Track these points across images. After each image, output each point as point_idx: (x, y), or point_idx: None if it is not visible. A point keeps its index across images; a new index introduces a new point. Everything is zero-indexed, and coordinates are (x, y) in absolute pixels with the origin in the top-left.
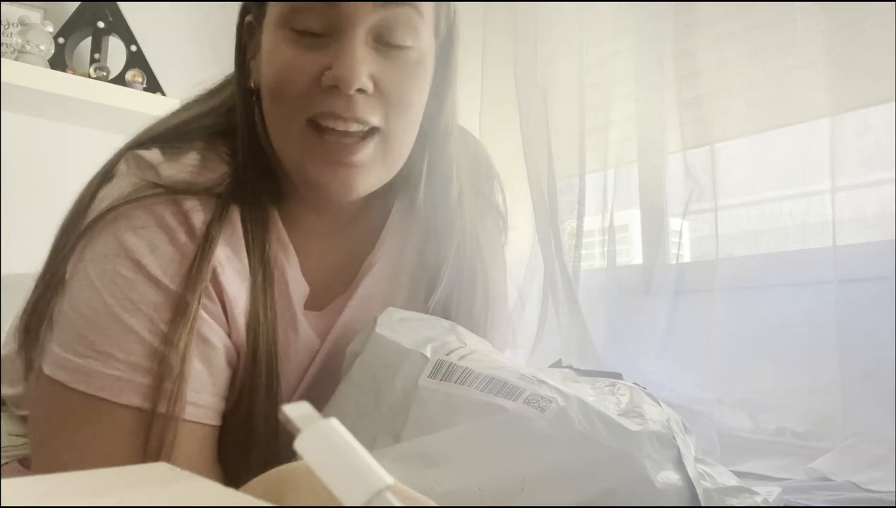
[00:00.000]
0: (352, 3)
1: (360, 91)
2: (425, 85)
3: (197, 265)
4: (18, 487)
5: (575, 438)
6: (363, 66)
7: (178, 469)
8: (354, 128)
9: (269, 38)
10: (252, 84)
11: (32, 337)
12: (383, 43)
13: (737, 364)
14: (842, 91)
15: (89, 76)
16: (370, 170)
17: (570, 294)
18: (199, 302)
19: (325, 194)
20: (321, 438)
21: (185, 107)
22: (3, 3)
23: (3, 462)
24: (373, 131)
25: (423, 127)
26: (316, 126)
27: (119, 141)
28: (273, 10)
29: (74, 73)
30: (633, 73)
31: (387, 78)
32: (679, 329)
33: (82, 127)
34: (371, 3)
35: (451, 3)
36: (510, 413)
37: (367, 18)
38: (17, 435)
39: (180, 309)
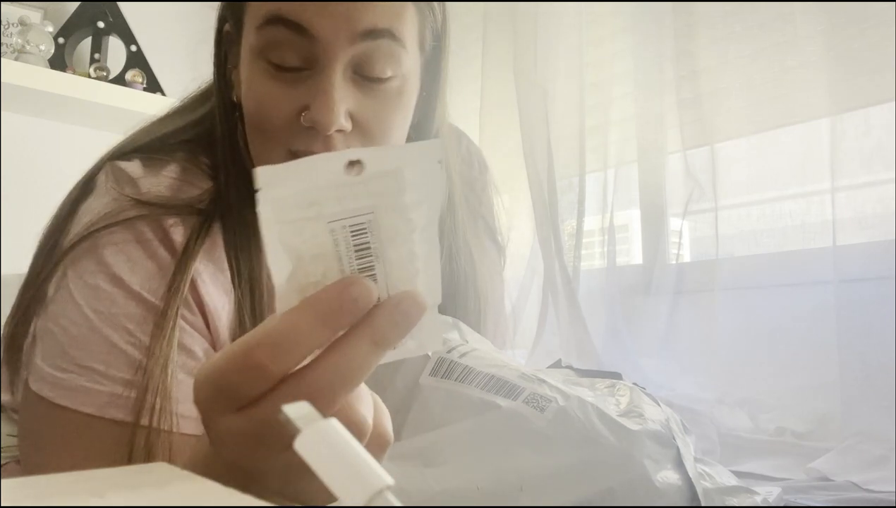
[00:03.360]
0: (329, 39)
1: (338, 131)
2: (407, 110)
3: (175, 277)
4: (18, 487)
5: (574, 437)
6: (340, 107)
7: (177, 469)
8: None
9: (247, 67)
10: (235, 97)
11: (15, 352)
12: (363, 75)
13: (737, 364)
14: (842, 91)
15: (89, 76)
16: None
17: (570, 294)
18: (177, 313)
19: None
20: (321, 438)
21: (172, 115)
22: (3, 3)
23: (2, 462)
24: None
25: (410, 136)
26: (295, 155)
27: (119, 141)
28: (250, 37)
29: (74, 73)
30: (633, 73)
31: (366, 112)
32: (679, 329)
33: (82, 127)
34: (349, 38)
35: (440, 12)
36: (509, 412)
37: (344, 54)
38: (16, 436)
39: (160, 322)
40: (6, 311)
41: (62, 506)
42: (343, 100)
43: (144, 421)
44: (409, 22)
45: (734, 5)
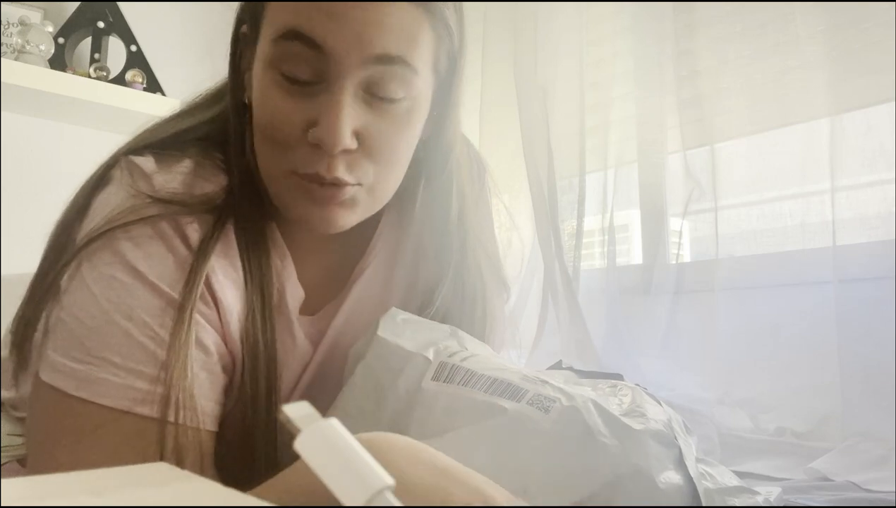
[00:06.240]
0: (341, 57)
1: (344, 150)
2: (415, 131)
3: (191, 275)
4: (18, 487)
5: (578, 438)
6: (347, 127)
7: (177, 469)
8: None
9: (260, 76)
10: (247, 99)
11: (25, 346)
12: (373, 95)
13: (737, 364)
14: (842, 91)
15: (89, 76)
16: (352, 209)
17: (570, 294)
18: (193, 310)
19: (306, 228)
20: (321, 438)
21: (186, 113)
22: (3, 3)
23: (2, 462)
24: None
25: (419, 155)
26: (300, 177)
27: (119, 141)
28: (265, 47)
29: (74, 73)
30: (633, 73)
31: (373, 132)
32: (679, 329)
33: (82, 127)
34: (361, 59)
35: (457, 36)
36: (513, 413)
37: (355, 73)
38: (16, 435)
39: (178, 316)
40: (6, 311)
41: (62, 506)
42: (351, 120)
43: (170, 418)
44: (423, 47)
45: (734, 5)
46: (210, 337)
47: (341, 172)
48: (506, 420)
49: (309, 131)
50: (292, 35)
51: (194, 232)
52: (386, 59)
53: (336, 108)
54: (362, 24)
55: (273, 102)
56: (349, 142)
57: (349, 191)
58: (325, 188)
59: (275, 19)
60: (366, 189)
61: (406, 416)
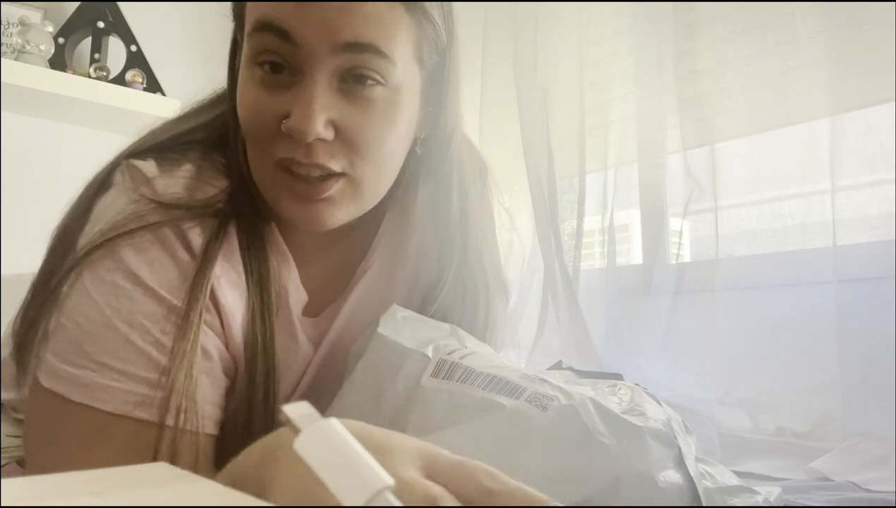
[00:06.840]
0: (312, 47)
1: (319, 140)
2: (398, 124)
3: (196, 280)
4: (18, 487)
5: (576, 436)
6: (320, 116)
7: (178, 469)
8: (316, 173)
9: (242, 73)
10: None
11: (26, 350)
12: (348, 84)
13: (737, 364)
14: (842, 91)
15: (89, 76)
16: (339, 206)
17: (570, 294)
18: (200, 317)
19: (296, 226)
20: (321, 438)
21: (187, 116)
22: (3, 3)
23: (2, 463)
24: (339, 174)
25: (417, 154)
26: (284, 166)
27: (119, 141)
28: (245, 45)
29: (74, 73)
30: (633, 73)
31: (350, 122)
32: (679, 329)
33: (82, 127)
34: (331, 48)
35: (443, 29)
36: (511, 410)
37: (327, 63)
38: (16, 437)
39: (181, 323)
40: (6, 311)
41: (62, 506)
42: (324, 109)
43: (170, 422)
44: (400, 36)
45: (734, 5)
46: (212, 343)
47: (320, 158)
48: (504, 416)
49: (283, 122)
50: (264, 26)
51: (197, 236)
52: (357, 47)
53: (307, 97)
54: (331, 11)
55: (250, 97)
56: (322, 130)
57: (332, 187)
58: (309, 184)
59: (251, 15)
60: (351, 183)
61: (405, 413)
